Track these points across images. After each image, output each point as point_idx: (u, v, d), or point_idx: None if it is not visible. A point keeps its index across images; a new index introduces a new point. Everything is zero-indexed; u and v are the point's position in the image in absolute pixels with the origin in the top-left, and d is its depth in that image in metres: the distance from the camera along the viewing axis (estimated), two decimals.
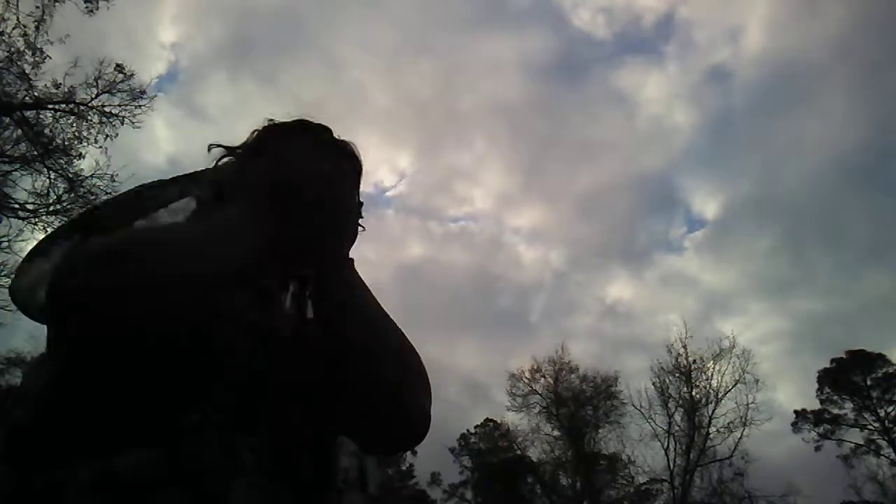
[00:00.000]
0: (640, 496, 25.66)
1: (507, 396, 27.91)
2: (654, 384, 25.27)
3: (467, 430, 31.44)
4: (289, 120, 1.04)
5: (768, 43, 45.99)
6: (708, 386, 24.70)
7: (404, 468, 30.27)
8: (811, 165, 45.87)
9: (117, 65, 14.25)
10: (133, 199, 0.94)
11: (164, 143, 36.68)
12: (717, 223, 45.82)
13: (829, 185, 46.25)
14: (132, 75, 14.46)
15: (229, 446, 0.74)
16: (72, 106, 14.08)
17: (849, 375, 27.72)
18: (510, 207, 53.99)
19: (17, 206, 13.85)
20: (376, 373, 0.88)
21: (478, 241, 48.36)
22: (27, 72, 13.36)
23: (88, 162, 14.23)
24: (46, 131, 13.92)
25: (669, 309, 44.36)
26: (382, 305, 0.95)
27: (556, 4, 50.53)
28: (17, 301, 0.87)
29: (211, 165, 1.02)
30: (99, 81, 14.06)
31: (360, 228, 0.97)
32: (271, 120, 1.05)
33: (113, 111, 14.29)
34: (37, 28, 13.18)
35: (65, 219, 13.99)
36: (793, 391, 48.70)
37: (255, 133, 1.05)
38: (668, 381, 25.22)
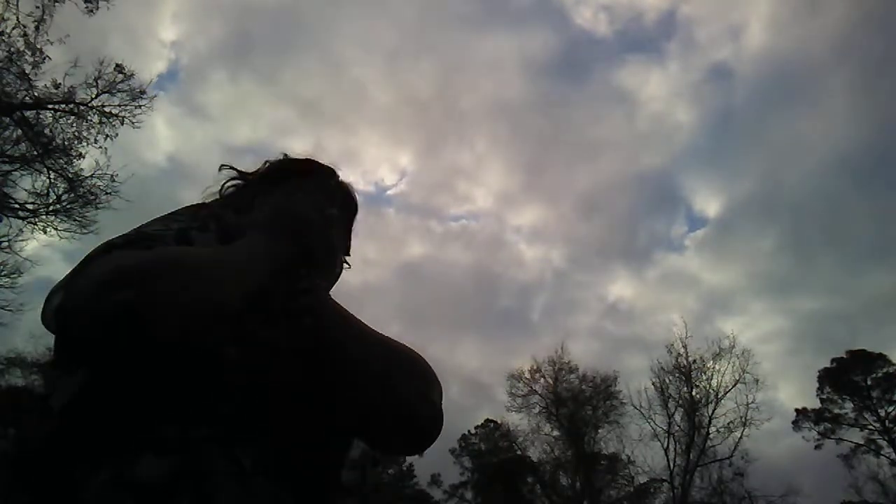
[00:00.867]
0: (640, 496, 25.67)
1: (507, 397, 27.99)
2: (653, 384, 25.33)
3: (468, 431, 31.52)
4: (300, 157, 1.15)
5: (769, 41, 46.02)
6: (708, 386, 24.76)
7: (405, 468, 30.29)
8: (813, 164, 45.99)
9: (117, 65, 14.27)
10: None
11: (165, 141, 36.80)
12: (719, 222, 45.97)
13: (831, 184, 46.35)
14: (132, 75, 14.49)
15: (231, 454, 0.77)
16: (72, 106, 14.09)
17: (849, 375, 27.75)
18: (511, 206, 53.90)
19: (17, 206, 13.86)
20: (383, 376, 0.90)
21: (479, 240, 48.47)
22: (27, 72, 13.38)
23: (88, 162, 14.27)
24: (46, 131, 13.94)
25: (670, 308, 44.31)
26: (384, 320, 0.99)
27: (557, 2, 50.55)
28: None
29: (219, 185, 1.11)
30: (99, 81, 14.08)
31: (346, 266, 1.12)
32: (285, 154, 1.15)
33: (113, 111, 14.31)
34: (37, 28, 13.19)
35: (65, 219, 14.07)
36: (794, 391, 48.61)
37: (269, 164, 1.13)
38: (667, 380, 25.28)
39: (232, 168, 1.12)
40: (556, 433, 27.20)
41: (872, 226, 41.59)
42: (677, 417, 24.73)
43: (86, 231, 14.15)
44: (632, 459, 25.46)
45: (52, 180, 14.03)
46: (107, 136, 14.17)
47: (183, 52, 41.00)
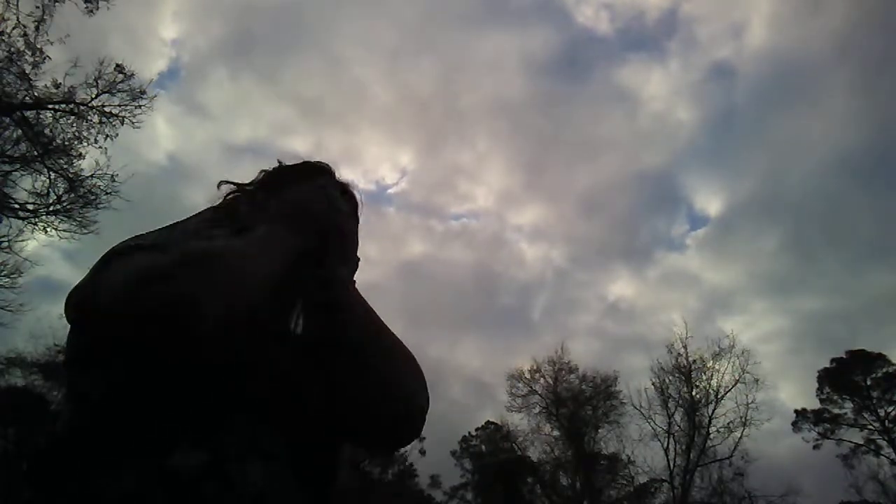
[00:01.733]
0: (640, 496, 25.67)
1: (508, 396, 27.99)
2: (653, 384, 25.34)
3: (468, 433, 31.51)
4: (295, 162, 1.16)
5: (771, 40, 45.90)
6: (708, 386, 24.77)
7: (405, 470, 30.27)
8: (814, 163, 45.94)
9: (117, 65, 14.28)
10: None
11: (165, 140, 36.76)
12: (720, 221, 45.91)
13: (832, 183, 46.34)
14: (132, 75, 14.50)
15: (254, 440, 0.80)
16: (72, 106, 14.09)
17: (849, 375, 27.75)
18: (512, 205, 53.99)
19: (17, 206, 13.86)
20: (368, 368, 0.93)
21: (479, 239, 48.49)
22: (27, 72, 13.38)
23: (88, 162, 14.27)
24: (46, 131, 13.94)
25: (671, 307, 44.32)
26: (385, 320, 1.02)
27: (558, 1, 50.51)
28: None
29: (218, 200, 1.10)
30: (99, 81, 14.09)
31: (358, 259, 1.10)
32: (280, 161, 1.16)
33: (113, 111, 14.31)
34: (37, 28, 13.20)
35: (65, 219, 14.07)
36: (795, 390, 48.68)
37: (265, 173, 1.14)
38: (667, 380, 25.29)
39: (230, 182, 1.12)
40: (556, 433, 27.26)
41: (873, 225, 41.60)
42: (677, 417, 24.79)
43: (86, 231, 14.17)
44: (632, 459, 25.52)
45: (52, 180, 14.05)
46: (107, 136, 14.18)
47: (183, 50, 41.03)
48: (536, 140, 50.10)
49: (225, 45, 49.80)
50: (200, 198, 1.12)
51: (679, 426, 24.60)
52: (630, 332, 42.29)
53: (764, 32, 47.17)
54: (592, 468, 26.29)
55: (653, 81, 48.28)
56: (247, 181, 1.14)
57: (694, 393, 24.83)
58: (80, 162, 14.21)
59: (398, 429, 0.97)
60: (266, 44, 50.17)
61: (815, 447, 27.32)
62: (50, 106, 13.92)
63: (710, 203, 49.50)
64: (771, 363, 45.87)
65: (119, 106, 14.37)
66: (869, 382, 27.52)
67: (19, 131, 13.67)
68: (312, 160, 1.17)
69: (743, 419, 23.63)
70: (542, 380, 27.97)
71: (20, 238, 13.86)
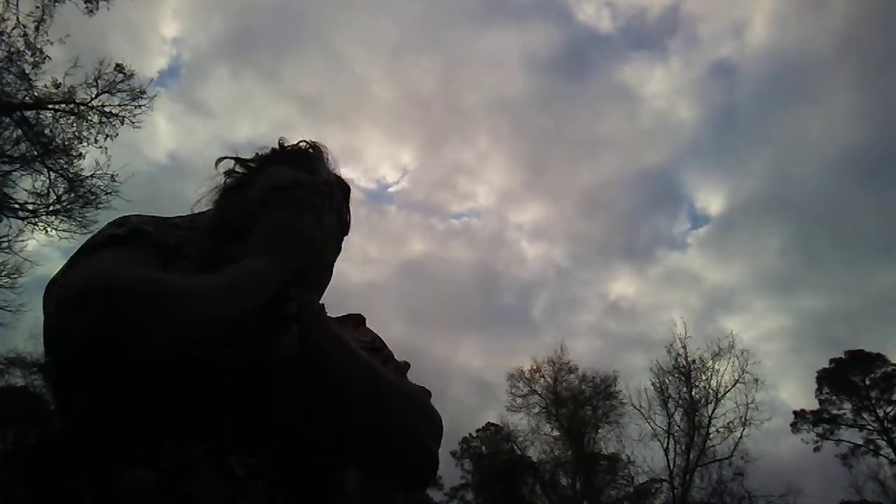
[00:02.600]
0: (640, 496, 25.67)
1: (507, 396, 28.00)
2: (653, 384, 25.33)
3: (469, 434, 31.52)
4: (297, 145, 1.14)
5: (773, 38, 45.80)
6: (708, 386, 24.76)
7: None
8: (816, 161, 45.88)
9: (117, 64, 14.27)
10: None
11: (165, 138, 36.74)
12: (721, 220, 45.84)
13: (834, 181, 46.37)
14: (132, 75, 14.49)
15: (224, 464, 0.79)
16: (72, 106, 14.09)
17: (847, 375, 27.75)
18: (513, 204, 53.95)
19: (17, 206, 13.86)
20: (383, 409, 0.91)
21: (480, 238, 48.42)
22: (27, 72, 13.37)
23: (88, 162, 14.26)
24: (46, 131, 13.94)
25: (672, 306, 44.11)
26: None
27: None
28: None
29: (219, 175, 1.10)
30: (99, 81, 14.08)
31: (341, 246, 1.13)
32: (281, 144, 1.14)
33: (113, 111, 14.30)
34: (37, 28, 13.19)
35: (65, 219, 14.08)
36: (796, 389, 48.72)
37: (261, 157, 1.13)
38: (667, 380, 25.28)
39: (232, 158, 1.12)
40: (556, 433, 27.26)
41: (876, 224, 41.44)
42: (677, 417, 24.77)
43: (86, 231, 14.14)
44: (632, 459, 25.52)
45: (52, 180, 14.05)
46: (107, 136, 14.17)
47: (184, 48, 41.08)
48: (537, 138, 50.18)
49: (225, 42, 49.97)
50: (201, 190, 1.11)
51: (679, 426, 24.63)
52: (631, 331, 42.32)
53: (765, 30, 47.28)
54: (592, 468, 26.29)
55: (654, 79, 48.33)
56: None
57: (694, 393, 24.85)
58: (80, 162, 14.23)
59: (405, 470, 0.94)
60: (267, 42, 50.35)
61: (815, 449, 27.37)
62: (50, 106, 13.92)
63: (712, 202, 49.63)
64: (773, 362, 45.97)
65: (119, 106, 14.38)
66: (868, 383, 27.53)
67: (19, 131, 13.68)
68: (306, 145, 1.15)
69: (743, 419, 23.66)
70: (541, 380, 28.02)
71: (20, 238, 13.86)
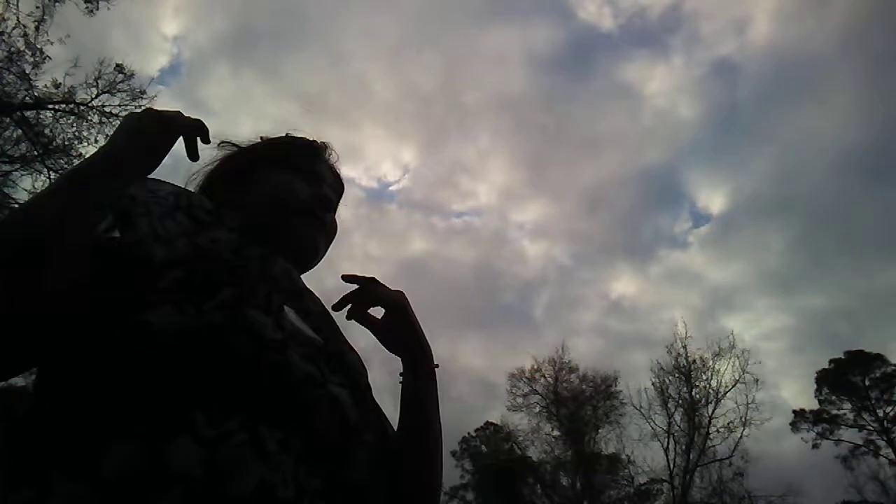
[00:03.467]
0: (640, 496, 25.69)
1: (507, 396, 28.02)
2: (653, 384, 25.35)
3: (468, 433, 31.53)
4: (301, 140, 1.12)
5: (775, 35, 45.48)
6: (708, 386, 24.79)
7: None
8: (819, 159, 45.68)
9: (118, 64, 14.30)
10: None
11: None
12: (723, 218, 45.54)
13: (838, 180, 46.20)
14: (132, 75, 14.51)
15: (255, 434, 0.71)
16: (72, 106, 14.10)
17: (847, 376, 27.77)
18: (514, 202, 53.74)
19: (17, 206, 13.87)
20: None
21: (482, 237, 48.30)
22: (27, 72, 13.39)
23: None
24: (46, 131, 13.94)
25: (674, 305, 43.85)
26: None
27: None
28: None
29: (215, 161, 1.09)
30: (99, 81, 14.10)
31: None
32: (289, 133, 1.13)
33: (113, 111, 14.31)
34: (37, 28, 13.21)
35: None
36: (798, 388, 48.59)
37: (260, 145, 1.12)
38: (667, 380, 25.30)
39: (231, 143, 1.11)
40: (556, 433, 27.29)
41: (879, 223, 41.24)
42: (677, 417, 24.80)
43: None
44: (632, 460, 25.54)
45: (52, 180, 14.05)
46: (107, 136, 14.18)
47: (185, 46, 40.78)
48: (538, 137, 49.96)
49: (226, 40, 49.72)
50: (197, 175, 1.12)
51: (679, 426, 24.66)
52: (633, 329, 42.15)
53: (768, 28, 46.84)
54: (592, 468, 26.30)
55: (656, 78, 47.98)
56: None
57: (694, 393, 24.88)
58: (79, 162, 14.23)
59: None
60: (267, 40, 50.16)
61: (813, 447, 27.40)
62: (50, 106, 13.94)
63: (713, 200, 49.28)
64: (774, 361, 45.85)
65: (119, 106, 14.38)
66: (867, 383, 27.55)
67: (19, 131, 13.70)
68: (304, 139, 1.13)
69: (743, 419, 23.68)
70: (542, 379, 28.05)
71: None
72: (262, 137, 1.13)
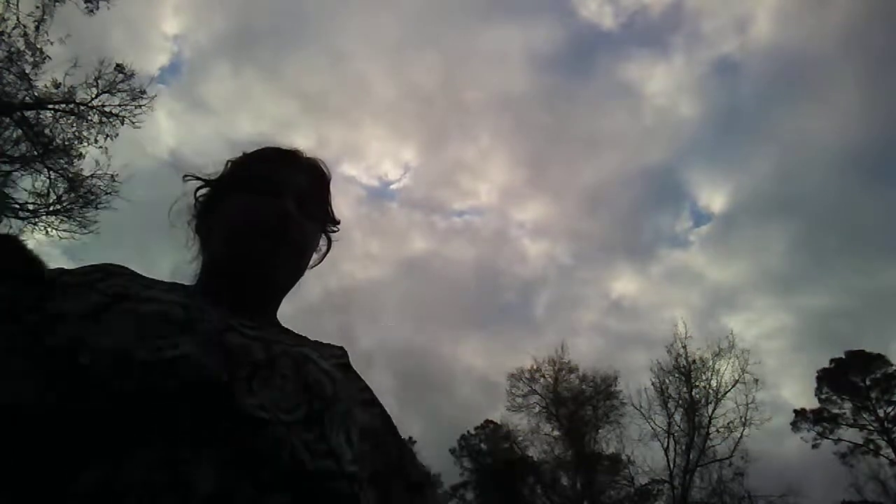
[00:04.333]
0: (641, 496, 25.68)
1: (507, 396, 28.02)
2: (653, 384, 25.35)
3: (467, 432, 31.52)
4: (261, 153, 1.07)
5: (776, 34, 45.60)
6: (708, 386, 24.78)
7: None
8: (820, 158, 45.74)
9: (117, 64, 14.31)
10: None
11: (166, 135, 36.55)
12: (724, 217, 45.74)
13: (839, 179, 46.31)
14: (132, 75, 14.53)
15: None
16: (72, 106, 14.11)
17: (848, 375, 27.77)
18: (515, 201, 53.93)
19: (17, 206, 13.87)
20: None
21: (482, 236, 48.34)
22: (27, 72, 13.39)
23: (88, 162, 14.29)
24: (46, 131, 13.96)
25: (675, 304, 43.79)
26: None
27: None
28: None
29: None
30: (99, 81, 14.12)
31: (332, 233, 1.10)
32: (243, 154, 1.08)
33: (113, 111, 14.33)
34: (37, 28, 13.21)
35: (65, 219, 14.08)
36: (799, 388, 48.39)
37: (230, 164, 1.07)
38: (667, 381, 25.30)
39: (195, 177, 1.06)
40: (556, 433, 27.28)
41: (880, 222, 41.26)
42: (677, 417, 24.79)
43: (86, 231, 14.20)
44: (632, 460, 25.54)
45: (52, 180, 14.07)
46: (107, 135, 14.21)
47: (185, 45, 40.85)
48: (539, 136, 50.10)
49: (227, 39, 49.85)
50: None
51: (679, 426, 24.65)
52: (633, 329, 42.23)
53: (769, 27, 46.94)
54: (592, 468, 26.30)
55: (657, 76, 48.11)
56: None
57: (694, 393, 24.87)
58: (80, 162, 14.24)
59: None
60: (268, 38, 50.17)
61: (813, 447, 27.40)
62: (50, 106, 13.94)
63: (714, 199, 49.34)
64: (775, 361, 45.70)
65: (119, 106, 14.41)
66: (868, 383, 27.55)
67: (19, 131, 13.70)
68: (264, 150, 1.07)
69: (743, 419, 23.66)
70: (542, 379, 28.04)
71: (20, 238, 13.86)
72: (227, 161, 1.08)
